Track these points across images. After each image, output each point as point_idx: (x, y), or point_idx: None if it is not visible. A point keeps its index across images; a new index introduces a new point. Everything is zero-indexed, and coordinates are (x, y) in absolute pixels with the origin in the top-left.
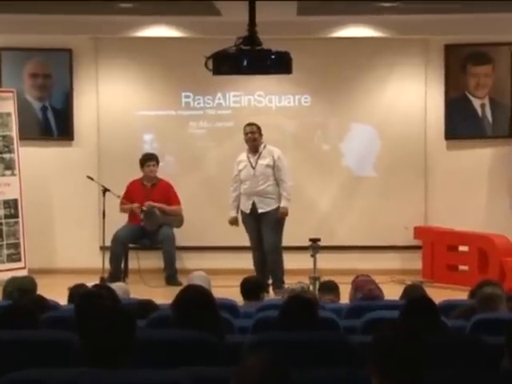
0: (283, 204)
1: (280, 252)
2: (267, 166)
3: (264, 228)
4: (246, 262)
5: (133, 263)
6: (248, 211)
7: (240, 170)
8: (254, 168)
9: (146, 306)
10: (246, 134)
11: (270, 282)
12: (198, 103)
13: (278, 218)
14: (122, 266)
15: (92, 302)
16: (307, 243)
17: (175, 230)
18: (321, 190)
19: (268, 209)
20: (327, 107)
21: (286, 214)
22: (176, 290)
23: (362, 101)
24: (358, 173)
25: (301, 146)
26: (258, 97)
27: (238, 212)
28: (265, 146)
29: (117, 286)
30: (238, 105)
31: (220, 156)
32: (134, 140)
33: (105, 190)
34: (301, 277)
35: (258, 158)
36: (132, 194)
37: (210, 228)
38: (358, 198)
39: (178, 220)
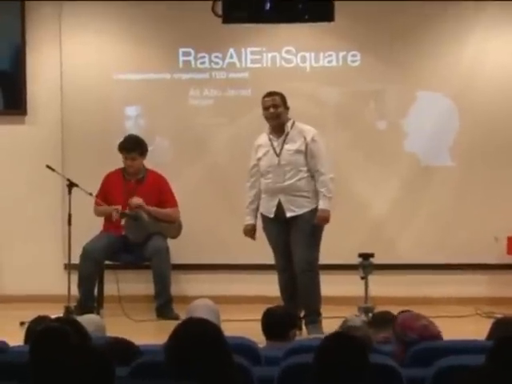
0: (322, 205)
1: (316, 272)
2: (297, 151)
3: (295, 239)
4: (269, 287)
5: (110, 288)
6: (272, 215)
7: (259, 159)
8: (278, 155)
9: (122, 348)
10: (265, 107)
11: (303, 314)
12: (202, 63)
13: (314, 225)
14: (96, 291)
15: (53, 341)
16: (355, 260)
17: (170, 242)
18: (374, 186)
19: (300, 211)
20: (384, 69)
21: (325, 219)
22: (171, 325)
23: (434, 60)
24: (427, 161)
25: (346, 123)
26: (286, 54)
27: (256, 217)
28: (293, 124)
29: (88, 320)
30: (257, 65)
31: (233, 137)
32: (112, 115)
33: (71, 185)
34: (346, 307)
35: (285, 140)
36: (110, 191)
37: (219, 239)
38: (427, 196)
39: (173, 228)
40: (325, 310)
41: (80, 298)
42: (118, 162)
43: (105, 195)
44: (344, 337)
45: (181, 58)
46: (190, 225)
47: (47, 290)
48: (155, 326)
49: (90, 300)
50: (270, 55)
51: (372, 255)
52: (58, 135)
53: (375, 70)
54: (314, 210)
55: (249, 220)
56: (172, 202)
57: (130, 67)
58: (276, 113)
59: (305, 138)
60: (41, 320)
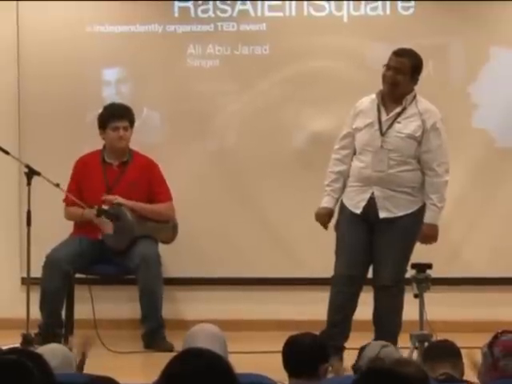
0: (430, 218)
1: (401, 289)
2: (409, 136)
3: (384, 248)
4: (291, 309)
5: (83, 309)
6: (359, 211)
7: (358, 129)
8: (382, 133)
9: None
10: (387, 66)
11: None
12: (205, 12)
13: (413, 233)
14: (63, 313)
15: (7, 380)
16: (407, 273)
17: (162, 249)
18: None
19: (398, 213)
20: (444, 18)
21: (432, 237)
22: (163, 358)
23: None
24: (504, 142)
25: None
26: None
27: (337, 201)
28: (414, 99)
29: (53, 351)
30: (278, 14)
31: (245, 110)
32: (85, 80)
33: (31, 173)
34: None
35: (398, 117)
36: (85, 179)
37: (226, 245)
38: (504, 188)
39: (166, 229)
40: (365, 338)
41: (43, 323)
42: (92, 142)
43: (79, 187)
44: (387, 372)
45: (176, 5)
46: (189, 226)
47: None
48: (142, 360)
49: (56, 325)
50: (294, 1)
51: (429, 266)
52: (14, 107)
53: (433, 20)
54: (417, 213)
55: (326, 202)
56: (166, 196)
57: (109, 17)
58: (394, 79)
59: (423, 122)
60: None
